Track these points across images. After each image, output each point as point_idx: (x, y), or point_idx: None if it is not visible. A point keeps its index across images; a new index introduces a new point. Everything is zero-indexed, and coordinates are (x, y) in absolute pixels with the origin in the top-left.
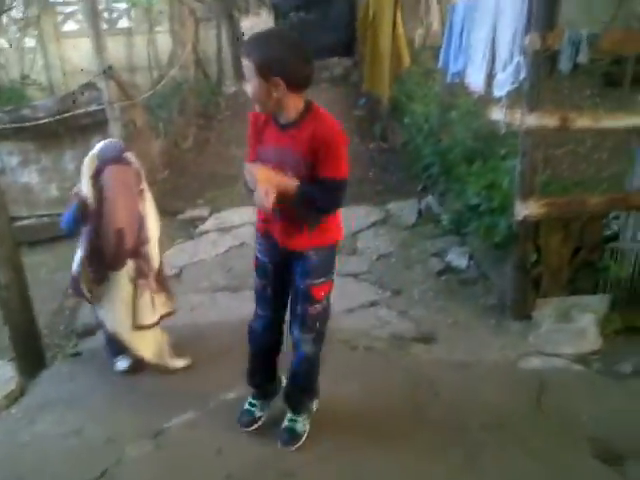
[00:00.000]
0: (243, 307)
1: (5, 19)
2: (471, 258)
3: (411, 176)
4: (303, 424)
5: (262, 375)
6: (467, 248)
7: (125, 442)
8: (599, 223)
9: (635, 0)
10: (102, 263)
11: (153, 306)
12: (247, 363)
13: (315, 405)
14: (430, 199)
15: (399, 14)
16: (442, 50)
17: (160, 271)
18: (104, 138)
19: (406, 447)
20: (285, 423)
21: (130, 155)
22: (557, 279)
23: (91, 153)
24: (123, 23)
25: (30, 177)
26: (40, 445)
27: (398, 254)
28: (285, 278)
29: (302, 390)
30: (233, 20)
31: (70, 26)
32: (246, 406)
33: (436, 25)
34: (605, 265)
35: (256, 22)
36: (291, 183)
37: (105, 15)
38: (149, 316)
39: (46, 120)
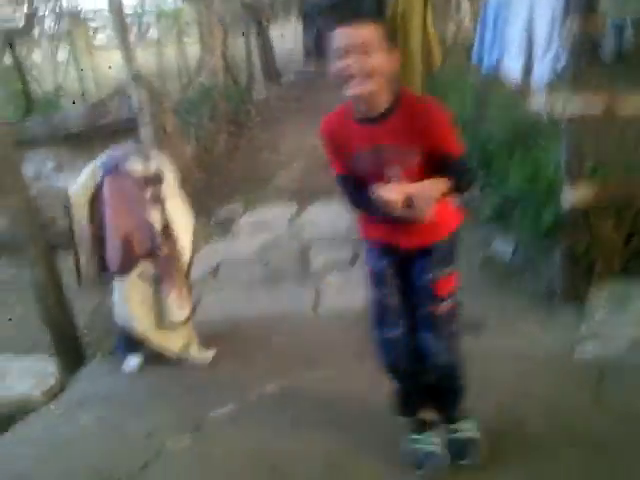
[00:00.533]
0: (282, 299)
1: (37, 34)
2: (517, 246)
3: None
4: (468, 429)
5: (419, 397)
6: (512, 237)
7: (165, 436)
8: None
9: None
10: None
11: (182, 303)
12: (396, 396)
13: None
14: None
15: (429, 12)
16: (475, 44)
17: (189, 271)
18: (136, 142)
19: None
20: (451, 436)
21: (132, 163)
22: (610, 266)
23: (93, 164)
24: (152, 34)
25: (65, 182)
26: (80, 440)
27: None
28: (407, 284)
29: (452, 399)
30: (262, 27)
31: (101, 40)
32: (413, 444)
33: (467, 21)
34: None
35: (285, 29)
36: (439, 185)
37: (134, 28)
38: (178, 313)
39: (78, 129)
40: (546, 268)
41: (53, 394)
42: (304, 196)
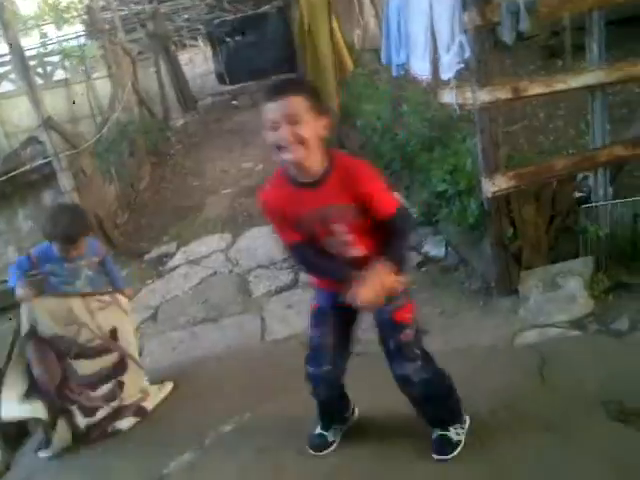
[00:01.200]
0: (226, 336)
1: None
2: (448, 245)
3: None
4: (457, 433)
5: (335, 415)
6: (442, 236)
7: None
8: (569, 187)
9: None
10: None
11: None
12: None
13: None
14: (396, 194)
15: (334, 20)
16: (382, 46)
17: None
18: (55, 191)
19: (415, 444)
20: (435, 434)
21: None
22: (537, 250)
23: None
24: (59, 75)
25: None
26: None
27: None
28: (347, 327)
29: (443, 410)
30: (170, 55)
31: (6, 87)
32: (319, 430)
33: (372, 24)
34: (582, 227)
35: (194, 53)
36: (386, 268)
37: (39, 70)
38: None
39: None
40: (478, 262)
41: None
42: (236, 223)
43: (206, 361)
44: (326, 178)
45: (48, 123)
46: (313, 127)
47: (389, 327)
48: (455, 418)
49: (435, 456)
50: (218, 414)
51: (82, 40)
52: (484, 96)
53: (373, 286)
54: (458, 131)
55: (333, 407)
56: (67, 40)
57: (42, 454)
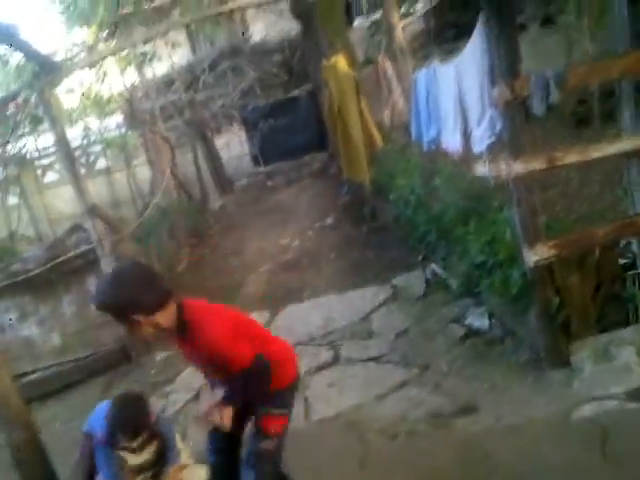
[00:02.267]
0: None
1: None
2: (491, 317)
3: (409, 248)
4: None
5: None
6: (485, 307)
7: None
8: (613, 253)
9: (583, 41)
10: None
11: None
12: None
13: None
14: (434, 266)
15: (362, 100)
16: (412, 122)
17: None
18: (97, 277)
19: None
20: None
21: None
22: (585, 319)
23: None
24: (101, 164)
25: (30, 330)
26: None
27: (416, 328)
28: (242, 425)
29: None
30: (207, 140)
31: (50, 177)
32: None
33: (401, 102)
34: (630, 294)
35: (229, 137)
36: (220, 402)
37: (82, 160)
38: None
39: (38, 270)
40: (525, 332)
41: None
42: (275, 300)
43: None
44: (183, 333)
45: (92, 210)
46: (154, 324)
47: (256, 428)
48: None
49: None
50: None
51: (123, 130)
52: (519, 167)
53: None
54: (494, 200)
55: None
56: (108, 130)
57: None
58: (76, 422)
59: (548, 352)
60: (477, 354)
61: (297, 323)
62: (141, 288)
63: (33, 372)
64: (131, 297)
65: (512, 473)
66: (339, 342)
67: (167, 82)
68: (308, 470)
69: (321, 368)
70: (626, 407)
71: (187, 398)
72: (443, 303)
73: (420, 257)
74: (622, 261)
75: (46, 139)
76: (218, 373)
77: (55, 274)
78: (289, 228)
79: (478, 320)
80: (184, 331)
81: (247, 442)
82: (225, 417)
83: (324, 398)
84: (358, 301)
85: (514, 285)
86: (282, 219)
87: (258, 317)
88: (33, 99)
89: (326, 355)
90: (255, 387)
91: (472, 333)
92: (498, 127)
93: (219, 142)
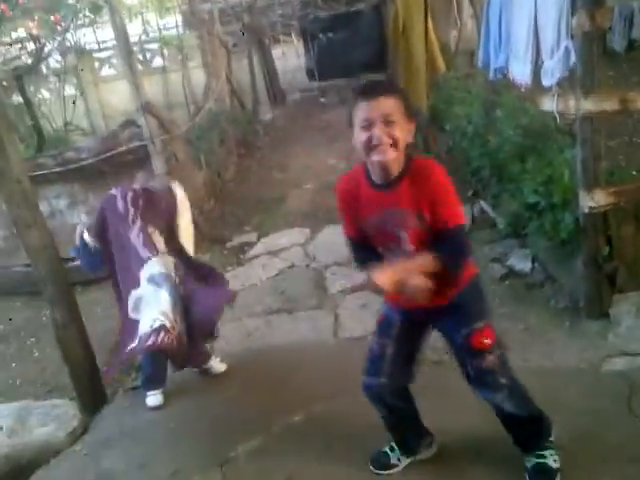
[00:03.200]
0: (300, 328)
1: (45, 70)
2: (535, 260)
3: (460, 182)
4: (554, 460)
5: (403, 435)
6: (529, 250)
7: (191, 473)
8: None
9: None
10: None
11: None
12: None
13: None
14: (483, 203)
15: (430, 20)
16: (480, 48)
17: None
18: (148, 172)
19: (491, 461)
20: (530, 463)
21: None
22: (634, 272)
23: None
24: (157, 62)
25: (79, 218)
26: None
27: None
28: (415, 342)
29: (527, 433)
30: (264, 48)
31: (107, 71)
32: (385, 448)
33: (470, 26)
34: None
35: (287, 48)
36: (426, 263)
37: (139, 57)
38: None
39: (91, 160)
40: (567, 279)
41: (76, 436)
42: (317, 219)
43: (279, 351)
44: (400, 181)
45: (146, 107)
46: (404, 130)
47: (466, 353)
48: (548, 441)
49: None
50: (288, 403)
51: (181, 30)
52: (589, 105)
53: (396, 273)
54: (555, 141)
55: (396, 427)
56: (167, 29)
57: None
58: (116, 309)
59: (588, 301)
60: (515, 295)
61: (336, 243)
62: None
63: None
64: (409, 102)
65: None
66: None
67: None
68: (333, 383)
69: (356, 289)
70: None
71: None
72: (487, 241)
73: (470, 192)
74: None
75: (105, 33)
76: (414, 239)
77: (107, 166)
78: (337, 148)
79: (521, 262)
80: (403, 175)
81: (462, 365)
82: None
83: (355, 318)
84: None
85: (564, 229)
86: (331, 138)
87: (299, 234)
88: None
89: (362, 278)
90: (453, 260)
91: (513, 274)
92: (572, 60)
93: (276, 52)
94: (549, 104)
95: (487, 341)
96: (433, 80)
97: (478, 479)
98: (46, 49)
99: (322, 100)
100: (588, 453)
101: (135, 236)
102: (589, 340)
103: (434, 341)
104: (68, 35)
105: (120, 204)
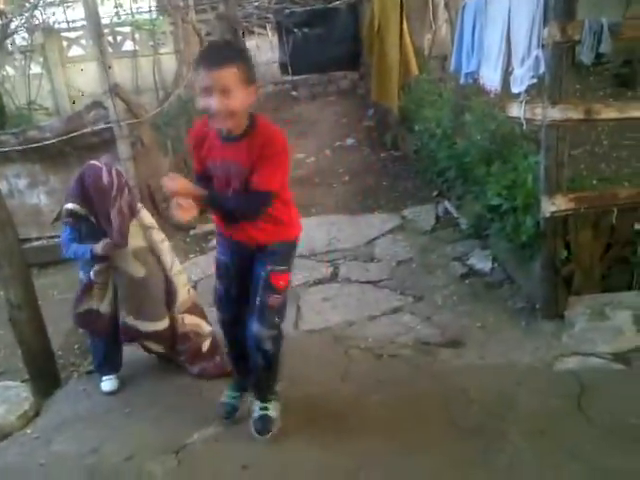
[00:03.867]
0: None
1: (10, 46)
2: (495, 260)
3: (426, 182)
4: (274, 410)
5: (243, 363)
6: (490, 251)
7: (146, 459)
8: (630, 218)
9: None
10: None
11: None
12: (228, 352)
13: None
14: (447, 204)
15: (405, 22)
16: (453, 52)
17: None
18: (112, 156)
19: (441, 458)
20: (256, 413)
21: None
22: (589, 276)
23: None
24: (128, 46)
25: (39, 198)
26: (57, 465)
27: (418, 259)
28: (246, 278)
29: (267, 381)
30: (238, 39)
31: (75, 51)
32: (225, 399)
33: (444, 30)
34: (639, 260)
35: (261, 40)
36: (199, 192)
37: (110, 39)
38: None
39: (54, 140)
40: (525, 281)
41: (28, 418)
42: None
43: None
44: (241, 139)
45: (114, 89)
46: (243, 97)
47: (262, 285)
48: (274, 393)
49: (255, 435)
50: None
51: (154, 15)
52: (555, 114)
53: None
54: (520, 147)
55: (244, 351)
56: (140, 13)
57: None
58: (72, 293)
59: (545, 303)
60: (474, 294)
61: (301, 236)
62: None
63: (37, 239)
64: (253, 68)
65: (485, 410)
66: (340, 261)
67: None
68: (290, 376)
69: (318, 283)
70: (609, 367)
71: None
72: (449, 241)
73: (435, 193)
74: (637, 227)
75: (75, 13)
76: (229, 188)
77: (70, 147)
78: (307, 143)
79: (481, 262)
80: (245, 133)
81: (253, 298)
82: (188, 209)
83: (316, 310)
84: (365, 225)
85: (525, 232)
86: (302, 133)
87: None
88: None
89: (325, 271)
90: (243, 210)
91: (473, 273)
92: (542, 69)
93: (249, 44)
94: (517, 110)
95: (281, 283)
96: (405, 81)
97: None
98: (12, 25)
99: (293, 94)
100: (538, 449)
101: (114, 215)
102: (544, 340)
103: (394, 336)
104: (36, 12)
105: (105, 176)
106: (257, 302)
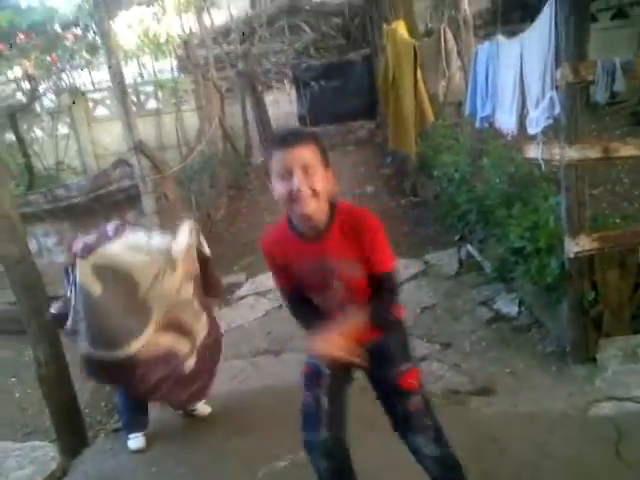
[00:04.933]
0: (286, 370)
1: (38, 109)
2: (521, 304)
3: (447, 227)
4: None
5: None
6: (516, 294)
7: None
8: None
9: None
10: None
11: None
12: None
13: None
14: (470, 247)
15: (419, 71)
16: (468, 97)
17: None
18: (138, 212)
19: None
20: None
21: None
22: (619, 317)
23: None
24: (151, 104)
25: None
26: None
27: (443, 305)
28: (344, 388)
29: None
30: (256, 94)
31: (101, 111)
32: None
33: (458, 77)
34: None
35: (279, 95)
36: (356, 323)
37: (133, 99)
38: None
39: (81, 198)
40: (553, 324)
41: (56, 479)
42: None
43: (265, 393)
44: (329, 230)
45: (139, 147)
46: (324, 178)
47: (394, 394)
48: None
49: None
50: (272, 449)
51: (175, 73)
52: (573, 153)
53: (333, 337)
54: (540, 189)
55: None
56: (162, 72)
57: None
58: None
59: (575, 346)
60: (502, 339)
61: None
62: None
63: None
64: (324, 148)
65: (519, 460)
66: None
67: (224, 32)
68: None
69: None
70: None
71: None
72: (474, 285)
73: (457, 237)
74: None
75: (100, 74)
76: (348, 287)
77: (97, 204)
78: None
79: (507, 306)
80: (329, 222)
81: (390, 409)
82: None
83: None
84: None
85: (550, 274)
86: None
87: None
88: (92, 31)
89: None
90: (389, 301)
91: (499, 318)
92: (557, 110)
93: (268, 98)
94: (534, 152)
95: (414, 382)
96: (422, 128)
97: None
98: (40, 88)
99: None
100: None
101: None
102: (576, 385)
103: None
104: (63, 75)
105: None
106: (399, 415)
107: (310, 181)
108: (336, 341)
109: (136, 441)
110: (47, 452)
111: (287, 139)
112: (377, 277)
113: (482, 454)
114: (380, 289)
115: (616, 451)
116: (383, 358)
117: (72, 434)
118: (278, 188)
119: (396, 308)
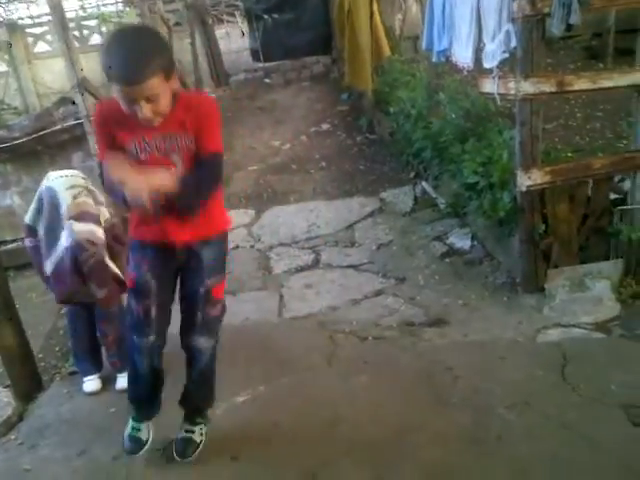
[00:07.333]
0: (244, 309)
1: None
2: (474, 238)
3: (402, 164)
4: (200, 434)
5: (147, 401)
6: (469, 229)
7: (133, 458)
8: (605, 187)
9: None
10: None
11: None
12: (130, 384)
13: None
14: (425, 184)
15: (375, 4)
16: (424, 31)
17: None
18: (84, 153)
19: (430, 436)
20: (182, 434)
21: None
22: (567, 248)
23: None
24: (95, 40)
25: (12, 199)
26: (43, 470)
27: (398, 241)
28: (169, 293)
29: (203, 400)
30: (206, 27)
31: (42, 47)
32: (130, 431)
33: (414, 10)
34: (615, 229)
35: (230, 28)
36: (169, 177)
37: (76, 34)
38: None
39: (23, 139)
40: (505, 256)
41: (11, 424)
42: (261, 200)
43: (224, 332)
44: (171, 114)
45: (83, 84)
46: (168, 94)
47: (203, 301)
48: (206, 412)
49: (177, 457)
50: (231, 385)
51: (120, 7)
52: (528, 87)
53: (145, 178)
54: (494, 124)
55: (152, 384)
56: (105, 5)
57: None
58: (52, 295)
59: (525, 277)
60: (455, 272)
61: (281, 225)
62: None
63: (12, 241)
64: (169, 52)
65: (471, 386)
66: (321, 247)
67: None
68: (277, 362)
69: (300, 270)
70: (591, 336)
71: None
72: (428, 221)
73: (412, 174)
74: (613, 196)
75: (40, 8)
76: (186, 161)
77: (41, 145)
78: (282, 130)
79: (460, 240)
80: (174, 102)
81: (189, 312)
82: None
83: (299, 297)
84: (344, 210)
85: (502, 208)
86: (276, 119)
87: (243, 215)
88: None
89: (306, 258)
90: (209, 180)
91: (453, 252)
92: (513, 43)
93: (219, 32)
94: (490, 86)
95: (221, 292)
96: (378, 63)
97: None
98: None
99: (266, 81)
100: (524, 420)
101: None
102: (525, 314)
103: (378, 318)
104: None
105: None
106: (199, 317)
107: (154, 106)
108: (152, 176)
109: (91, 384)
110: (1, 398)
111: (128, 77)
112: (201, 157)
113: (435, 382)
114: (199, 168)
115: (562, 375)
116: (201, 267)
117: (26, 379)
118: (123, 105)
119: (222, 217)
